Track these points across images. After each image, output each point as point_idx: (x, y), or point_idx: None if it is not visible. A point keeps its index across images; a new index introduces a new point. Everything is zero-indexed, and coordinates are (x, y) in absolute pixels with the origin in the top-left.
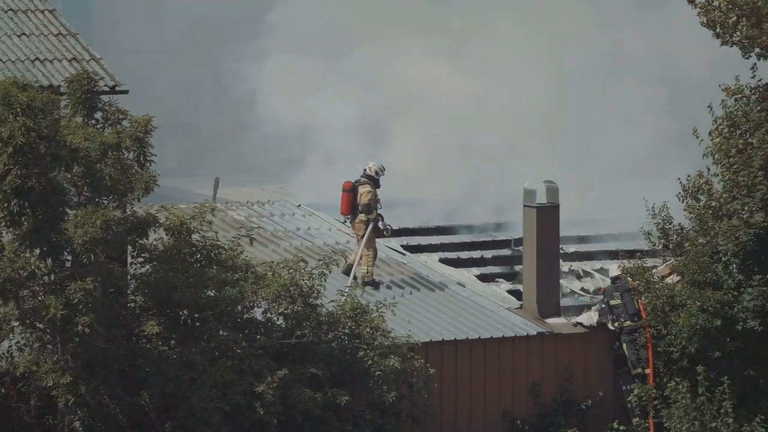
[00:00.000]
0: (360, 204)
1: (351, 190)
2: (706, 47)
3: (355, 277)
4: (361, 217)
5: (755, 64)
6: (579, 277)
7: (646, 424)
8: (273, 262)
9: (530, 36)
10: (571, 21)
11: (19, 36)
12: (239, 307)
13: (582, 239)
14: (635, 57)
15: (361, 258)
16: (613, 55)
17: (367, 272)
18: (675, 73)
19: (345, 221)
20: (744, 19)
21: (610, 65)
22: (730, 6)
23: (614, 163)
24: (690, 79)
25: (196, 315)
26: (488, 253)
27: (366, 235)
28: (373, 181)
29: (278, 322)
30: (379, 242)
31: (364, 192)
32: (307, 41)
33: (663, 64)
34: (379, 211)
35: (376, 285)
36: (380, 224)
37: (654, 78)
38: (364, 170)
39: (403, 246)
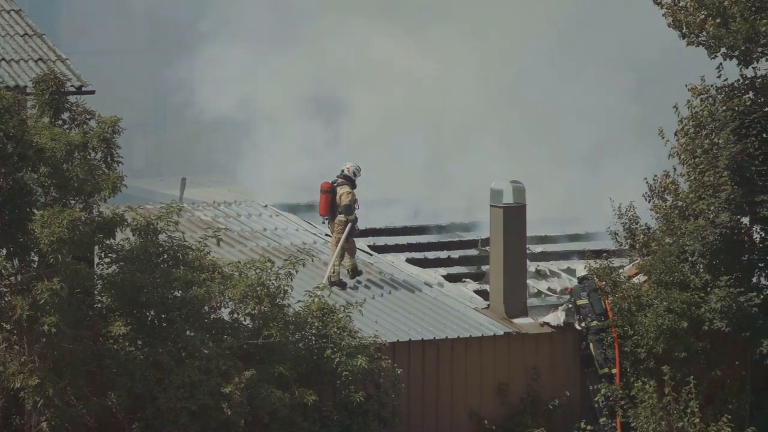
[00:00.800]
0: (340, 205)
1: (329, 191)
2: (665, 36)
3: (360, 272)
4: (341, 217)
5: (721, 63)
6: (546, 277)
7: (613, 424)
8: (240, 262)
9: (490, 24)
10: (534, 9)
11: None
12: (206, 308)
13: (547, 239)
14: (599, 45)
15: (335, 257)
16: (576, 44)
17: (334, 272)
18: (637, 60)
19: (324, 221)
20: (710, 18)
21: (573, 53)
22: (697, 5)
23: (573, 153)
24: (651, 68)
25: (163, 315)
26: (455, 254)
27: (344, 236)
28: (350, 181)
29: (245, 323)
30: None
31: (343, 193)
32: (259, 30)
33: (626, 52)
34: (356, 212)
35: (342, 285)
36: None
37: (619, 66)
38: (342, 171)
39: (370, 246)
